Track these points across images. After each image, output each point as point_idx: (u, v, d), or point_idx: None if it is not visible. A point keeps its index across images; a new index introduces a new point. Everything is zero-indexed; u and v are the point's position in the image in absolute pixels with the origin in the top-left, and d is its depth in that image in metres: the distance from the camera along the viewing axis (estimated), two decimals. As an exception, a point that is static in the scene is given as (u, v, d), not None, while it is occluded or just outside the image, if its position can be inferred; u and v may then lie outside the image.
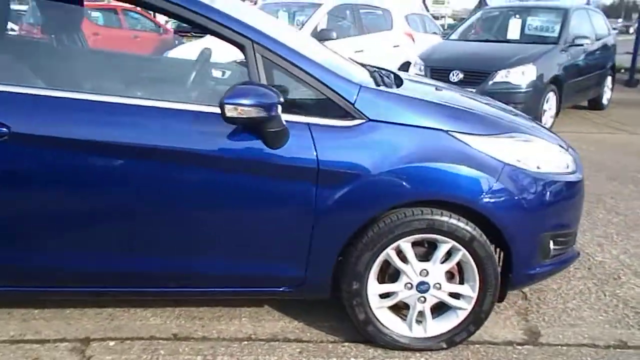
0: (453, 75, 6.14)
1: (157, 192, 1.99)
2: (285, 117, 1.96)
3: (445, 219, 2.07)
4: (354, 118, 2.04)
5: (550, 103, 6.41)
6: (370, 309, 2.18)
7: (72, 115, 1.95)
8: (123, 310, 2.45)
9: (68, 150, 1.93)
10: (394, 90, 2.30)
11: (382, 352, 2.22)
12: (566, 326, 2.46)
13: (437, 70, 6.29)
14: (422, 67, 6.49)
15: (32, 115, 1.92)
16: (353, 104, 2.04)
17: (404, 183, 2.04)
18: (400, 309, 2.26)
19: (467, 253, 2.13)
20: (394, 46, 7.70)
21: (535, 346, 2.31)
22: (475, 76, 6.11)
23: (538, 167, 2.20)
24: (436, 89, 2.70)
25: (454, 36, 7.72)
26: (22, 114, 1.91)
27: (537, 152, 2.25)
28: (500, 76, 6.05)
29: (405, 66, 7.42)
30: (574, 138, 5.00)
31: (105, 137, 1.92)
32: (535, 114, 5.66)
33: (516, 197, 2.11)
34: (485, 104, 2.68)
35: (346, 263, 2.12)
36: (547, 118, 6.37)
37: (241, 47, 2.02)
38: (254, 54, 2.01)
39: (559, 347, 2.30)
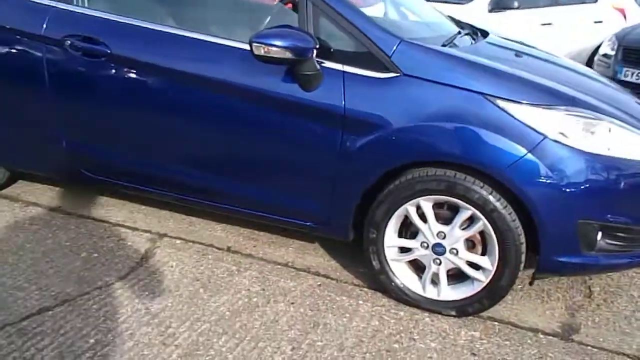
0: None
1: (216, 119, 2.32)
2: (325, 63, 2.11)
3: (465, 184, 2.03)
4: (388, 71, 2.09)
5: None
6: (386, 259, 2.25)
7: (160, 45, 2.37)
8: (202, 221, 2.89)
9: (154, 75, 2.36)
10: (442, 48, 2.24)
11: (392, 304, 2.29)
12: (617, 333, 2.20)
13: (632, 51, 5.50)
14: (615, 47, 5.72)
15: (129, 41, 2.39)
16: (390, 57, 2.09)
17: (425, 140, 2.05)
18: (420, 269, 2.28)
19: (487, 223, 2.05)
20: (596, 22, 6.85)
21: (562, 340, 2.13)
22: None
23: (595, 147, 1.99)
24: (516, 54, 2.53)
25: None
26: (122, 40, 2.39)
27: (596, 132, 2.02)
28: None
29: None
30: None
31: (186, 67, 2.30)
32: None
33: (550, 174, 1.95)
34: (581, 80, 2.44)
35: (367, 211, 2.22)
36: None
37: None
38: (306, 2, 2.18)
39: (590, 347, 2.10)
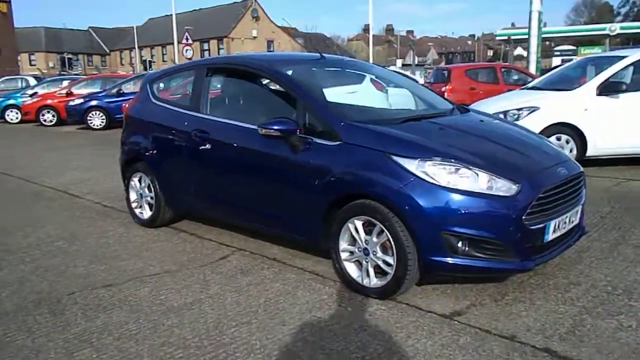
0: None
1: (248, 171, 3.96)
2: (309, 138, 3.60)
3: (374, 207, 3.25)
4: (337, 140, 3.49)
5: None
6: (340, 259, 3.51)
7: (225, 130, 4.13)
8: (256, 239, 4.44)
9: (223, 147, 4.12)
10: (368, 125, 3.53)
11: (344, 291, 3.50)
12: (490, 319, 3.07)
13: None
14: None
15: (215, 130, 4.21)
16: (337, 132, 3.49)
17: (351, 180, 3.36)
18: (361, 266, 3.47)
19: (388, 233, 3.22)
20: None
21: (447, 319, 3.09)
22: None
23: (449, 183, 3.08)
24: (440, 128, 3.66)
25: None
26: (213, 129, 4.21)
27: (452, 173, 3.10)
28: None
29: None
30: None
31: (233, 141, 4.03)
32: None
33: (418, 200, 3.09)
34: (481, 141, 3.52)
35: (329, 228, 3.54)
36: None
37: (293, 100, 3.78)
38: (298, 102, 3.73)
39: (463, 325, 3.02)
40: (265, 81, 4.16)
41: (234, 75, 4.56)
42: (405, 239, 3.16)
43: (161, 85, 5.20)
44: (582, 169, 3.69)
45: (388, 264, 3.29)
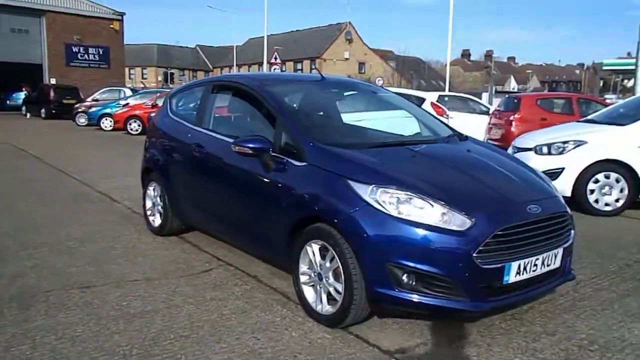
0: None
1: (230, 187, 4.01)
2: (279, 155, 3.59)
3: (328, 231, 3.16)
4: (304, 161, 3.44)
5: None
6: (299, 282, 3.43)
7: (213, 143, 4.22)
8: (250, 255, 4.44)
9: (211, 158, 4.21)
10: (334, 148, 3.44)
11: (300, 315, 3.41)
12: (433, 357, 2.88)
13: None
14: None
15: (206, 142, 4.30)
16: (304, 154, 3.45)
17: (308, 202, 3.30)
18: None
19: (338, 259, 3.11)
20: None
21: (386, 355, 2.93)
22: None
23: (400, 213, 2.93)
24: (412, 155, 3.49)
25: None
26: (205, 142, 4.32)
27: (404, 203, 2.95)
28: None
29: None
30: None
31: (218, 153, 4.10)
32: None
33: (365, 227, 2.97)
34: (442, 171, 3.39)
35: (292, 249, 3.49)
36: None
37: (274, 119, 3.79)
38: (277, 122, 3.73)
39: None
40: (256, 99, 4.20)
41: (232, 93, 4.65)
42: (352, 266, 3.04)
43: (179, 99, 5.41)
44: (567, 208, 3.37)
45: (338, 292, 3.18)
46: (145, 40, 76.61)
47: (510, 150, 7.36)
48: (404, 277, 2.92)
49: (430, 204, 2.96)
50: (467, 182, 3.25)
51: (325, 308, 3.27)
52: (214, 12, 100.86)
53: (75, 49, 32.98)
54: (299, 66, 53.62)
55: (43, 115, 25.91)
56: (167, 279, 4.05)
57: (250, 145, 3.61)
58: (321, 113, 4.34)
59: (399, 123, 4.36)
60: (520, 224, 3.01)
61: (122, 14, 34.99)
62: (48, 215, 6.04)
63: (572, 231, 3.40)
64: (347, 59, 52.57)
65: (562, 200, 3.45)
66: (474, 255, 2.86)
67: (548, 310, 3.52)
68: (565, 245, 3.28)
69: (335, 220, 3.10)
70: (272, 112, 3.86)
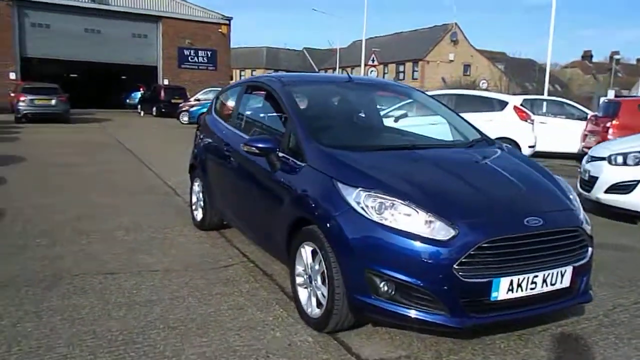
0: None
1: (247, 184, 4.06)
2: (286, 155, 3.60)
3: (316, 233, 3.10)
4: (304, 161, 3.41)
5: None
6: (295, 282, 3.40)
7: (236, 139, 4.29)
8: (243, 239, 4.46)
9: (234, 154, 4.30)
10: (330, 149, 3.35)
11: (292, 316, 3.38)
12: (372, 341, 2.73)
13: None
14: None
15: (231, 140, 4.40)
16: (305, 155, 3.41)
17: (301, 203, 3.26)
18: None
19: (323, 262, 3.05)
20: None
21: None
22: None
23: (382, 219, 2.81)
24: (414, 160, 3.31)
25: None
26: (231, 140, 4.41)
27: (387, 208, 2.81)
28: None
29: None
30: None
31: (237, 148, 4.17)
32: None
33: (346, 231, 2.88)
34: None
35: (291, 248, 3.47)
36: None
37: (286, 119, 3.79)
38: (287, 125, 3.73)
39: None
40: (275, 100, 4.23)
41: (259, 93, 4.71)
42: (335, 271, 2.96)
43: (223, 99, 5.57)
44: (583, 223, 3.03)
45: (324, 296, 3.11)
46: (255, 44, 79.68)
47: (585, 159, 6.77)
48: (382, 285, 2.79)
49: (415, 211, 2.80)
50: (462, 190, 3.04)
51: (315, 311, 3.21)
52: (321, 15, 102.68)
53: (186, 52, 35.07)
54: (400, 68, 52.96)
55: (154, 113, 27.84)
56: (185, 271, 4.19)
57: (258, 145, 3.65)
58: (337, 114, 4.27)
59: (424, 124, 4.17)
60: (513, 237, 2.76)
61: (229, 19, 36.67)
62: (112, 205, 6.48)
63: (589, 249, 3.05)
64: (451, 60, 51.02)
65: (580, 215, 3.11)
66: (455, 267, 2.66)
67: (564, 334, 3.20)
68: (577, 264, 2.95)
69: (321, 223, 3.04)
70: (285, 112, 3.86)
